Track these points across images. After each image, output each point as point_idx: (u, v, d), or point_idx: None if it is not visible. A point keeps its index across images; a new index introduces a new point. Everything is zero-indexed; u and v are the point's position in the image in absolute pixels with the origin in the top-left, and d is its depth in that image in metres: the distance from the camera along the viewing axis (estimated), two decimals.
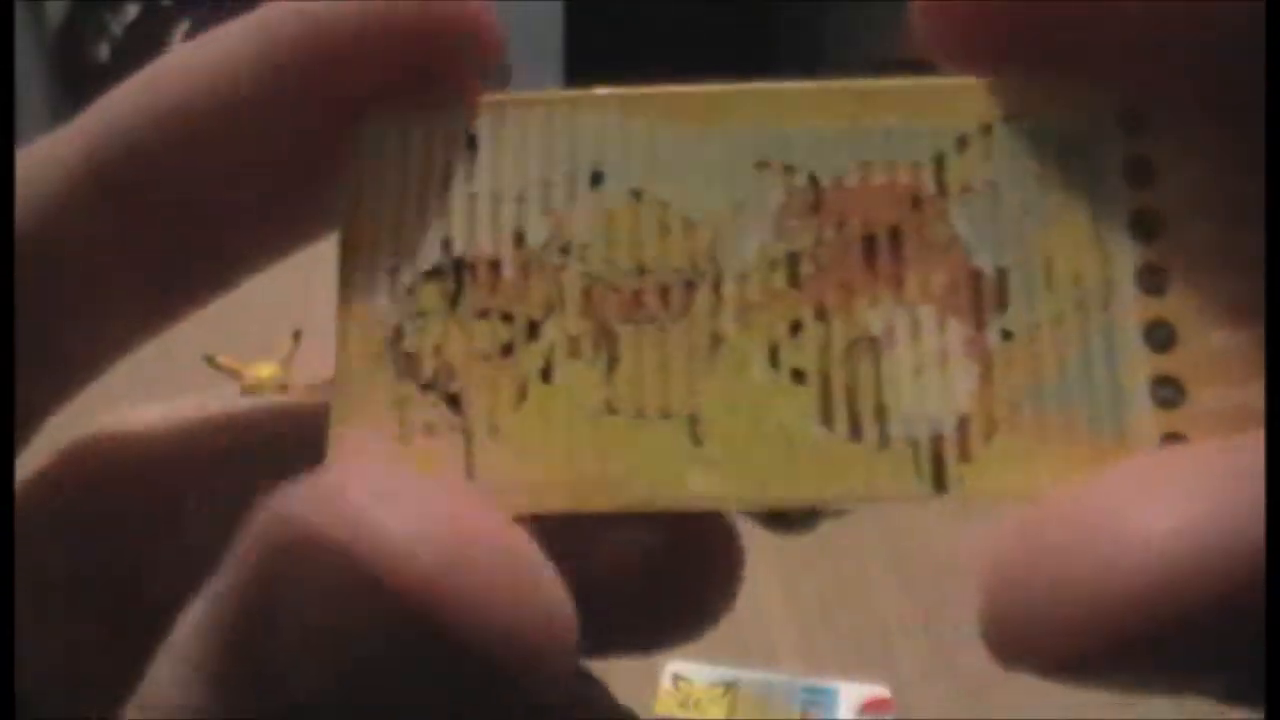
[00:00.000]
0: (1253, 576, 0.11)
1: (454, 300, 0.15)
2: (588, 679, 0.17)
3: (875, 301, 0.14)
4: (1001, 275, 0.14)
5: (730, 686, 0.57)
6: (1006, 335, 0.14)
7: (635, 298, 0.14)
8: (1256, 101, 0.13)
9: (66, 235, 0.15)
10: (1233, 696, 0.12)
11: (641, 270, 0.15)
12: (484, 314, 0.15)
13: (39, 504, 0.17)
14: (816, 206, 0.15)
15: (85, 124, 0.15)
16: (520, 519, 0.13)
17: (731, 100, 0.15)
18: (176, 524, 0.17)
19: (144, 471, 0.17)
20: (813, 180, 0.15)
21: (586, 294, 0.14)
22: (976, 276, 0.14)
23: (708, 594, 0.16)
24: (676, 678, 0.56)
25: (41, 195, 0.15)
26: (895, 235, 0.14)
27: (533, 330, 0.14)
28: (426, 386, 0.14)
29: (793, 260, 0.14)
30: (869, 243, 0.14)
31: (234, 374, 0.73)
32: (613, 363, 0.14)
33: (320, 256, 0.17)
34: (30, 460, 0.17)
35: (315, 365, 0.71)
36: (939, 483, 0.14)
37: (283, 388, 0.72)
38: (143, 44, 1.29)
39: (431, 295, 0.15)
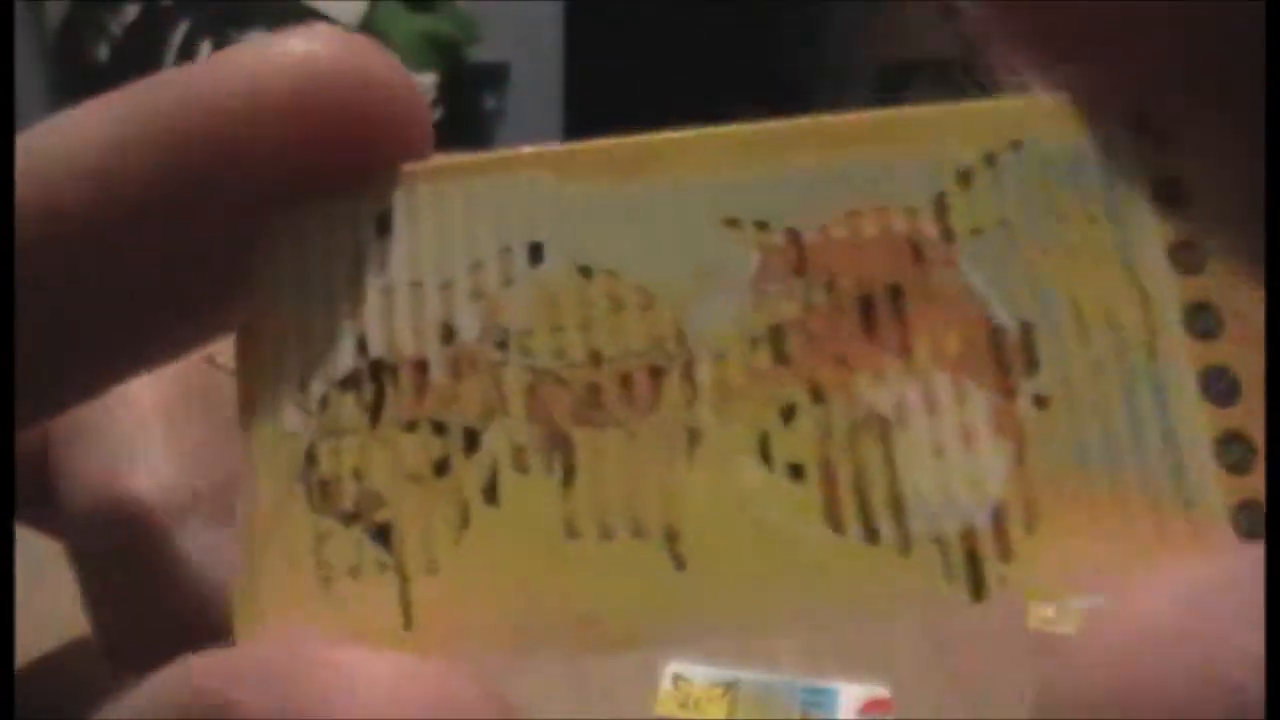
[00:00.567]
0: None
1: (374, 412, 0.12)
2: None
3: (879, 374, 0.12)
4: (1026, 330, 0.12)
5: (730, 687, 0.57)
6: (1040, 402, 0.12)
7: (591, 393, 0.12)
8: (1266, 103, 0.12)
9: None
10: None
11: (596, 359, 0.12)
12: (411, 426, 0.12)
13: None
14: (800, 267, 0.12)
15: None
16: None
17: (684, 147, 0.13)
18: None
19: None
20: (792, 236, 0.12)
21: (532, 393, 0.12)
22: (997, 334, 0.12)
23: None
24: (676, 678, 0.56)
25: None
26: (896, 293, 0.12)
27: (471, 441, 0.12)
28: (349, 519, 0.12)
29: (777, 333, 0.12)
30: (866, 305, 0.12)
31: (234, 374, 0.73)
32: (569, 474, 0.12)
33: None
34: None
35: None
36: (977, 588, 0.12)
37: None
38: (142, 44, 1.29)
39: (347, 408, 0.12)
